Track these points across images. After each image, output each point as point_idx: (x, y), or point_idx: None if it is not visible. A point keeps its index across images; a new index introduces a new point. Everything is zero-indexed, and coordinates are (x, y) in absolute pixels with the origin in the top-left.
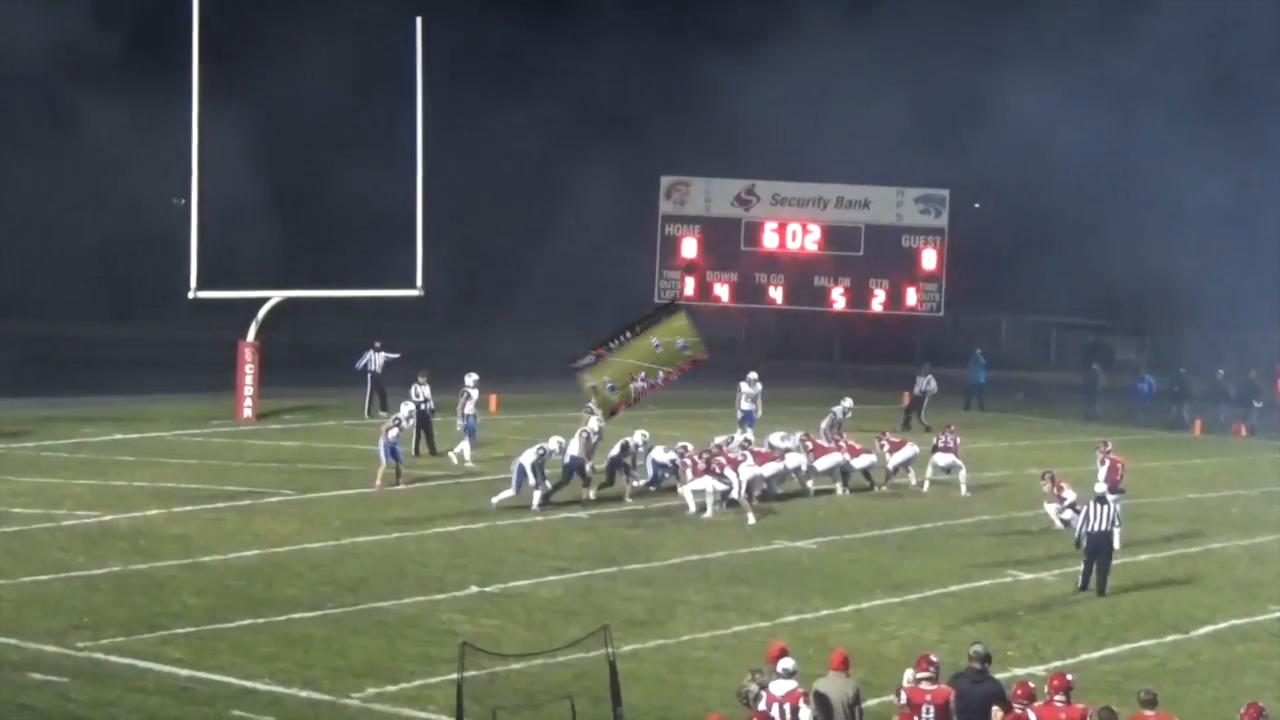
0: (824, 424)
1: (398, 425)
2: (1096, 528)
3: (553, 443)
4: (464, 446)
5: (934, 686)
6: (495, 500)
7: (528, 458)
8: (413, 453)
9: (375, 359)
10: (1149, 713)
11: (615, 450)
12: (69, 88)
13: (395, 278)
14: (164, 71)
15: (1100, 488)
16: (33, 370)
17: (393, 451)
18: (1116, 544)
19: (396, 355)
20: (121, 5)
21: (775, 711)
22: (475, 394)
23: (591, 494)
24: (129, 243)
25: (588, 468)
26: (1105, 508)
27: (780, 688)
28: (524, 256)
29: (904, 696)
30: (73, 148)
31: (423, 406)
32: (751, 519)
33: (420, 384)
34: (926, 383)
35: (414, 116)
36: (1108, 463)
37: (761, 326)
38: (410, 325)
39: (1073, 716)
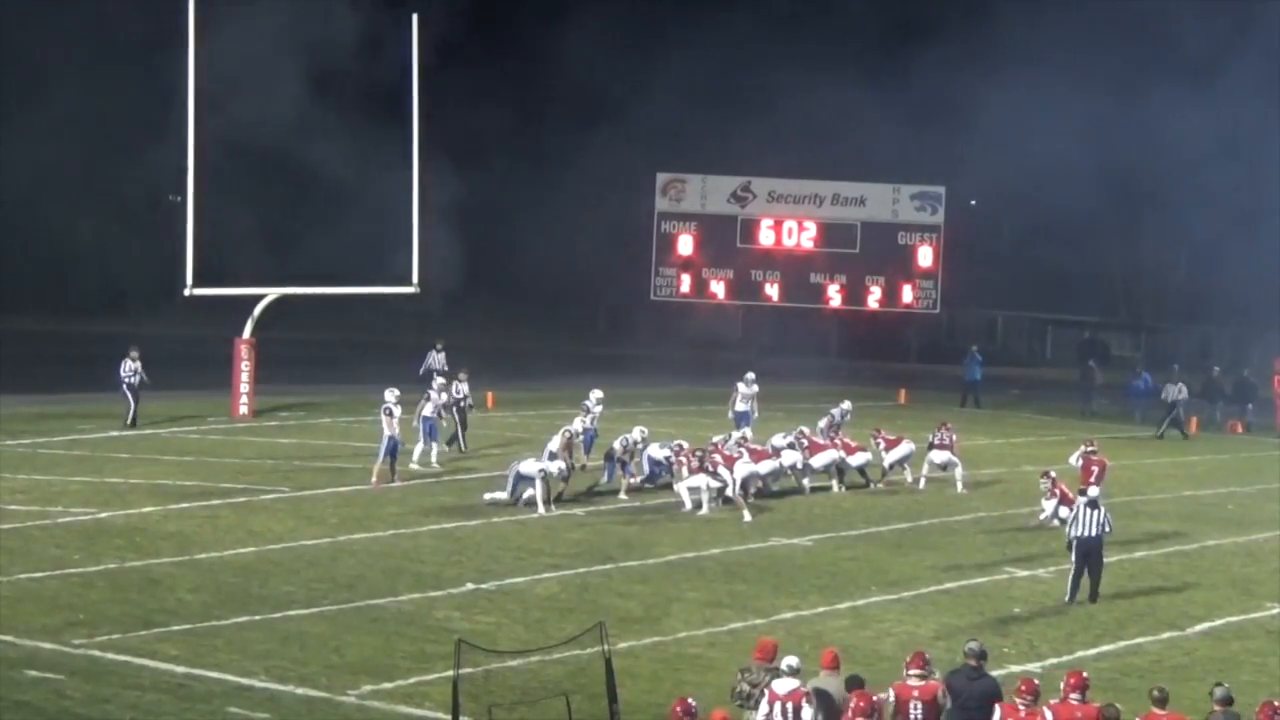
0: (822, 424)
1: (429, 400)
2: (1086, 533)
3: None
4: (420, 449)
5: (922, 682)
6: (488, 497)
7: (527, 466)
8: (445, 447)
9: (437, 359)
10: (1160, 711)
11: (614, 446)
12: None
13: (392, 275)
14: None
15: (1093, 491)
16: (28, 367)
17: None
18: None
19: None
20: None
21: (778, 710)
22: (440, 397)
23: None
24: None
25: (566, 465)
26: (1096, 512)
27: (783, 686)
28: (521, 253)
29: (891, 694)
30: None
31: (462, 404)
32: (747, 516)
33: (460, 381)
34: (1178, 390)
35: (410, 113)
36: (1081, 461)
37: (757, 323)
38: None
39: (1089, 715)
